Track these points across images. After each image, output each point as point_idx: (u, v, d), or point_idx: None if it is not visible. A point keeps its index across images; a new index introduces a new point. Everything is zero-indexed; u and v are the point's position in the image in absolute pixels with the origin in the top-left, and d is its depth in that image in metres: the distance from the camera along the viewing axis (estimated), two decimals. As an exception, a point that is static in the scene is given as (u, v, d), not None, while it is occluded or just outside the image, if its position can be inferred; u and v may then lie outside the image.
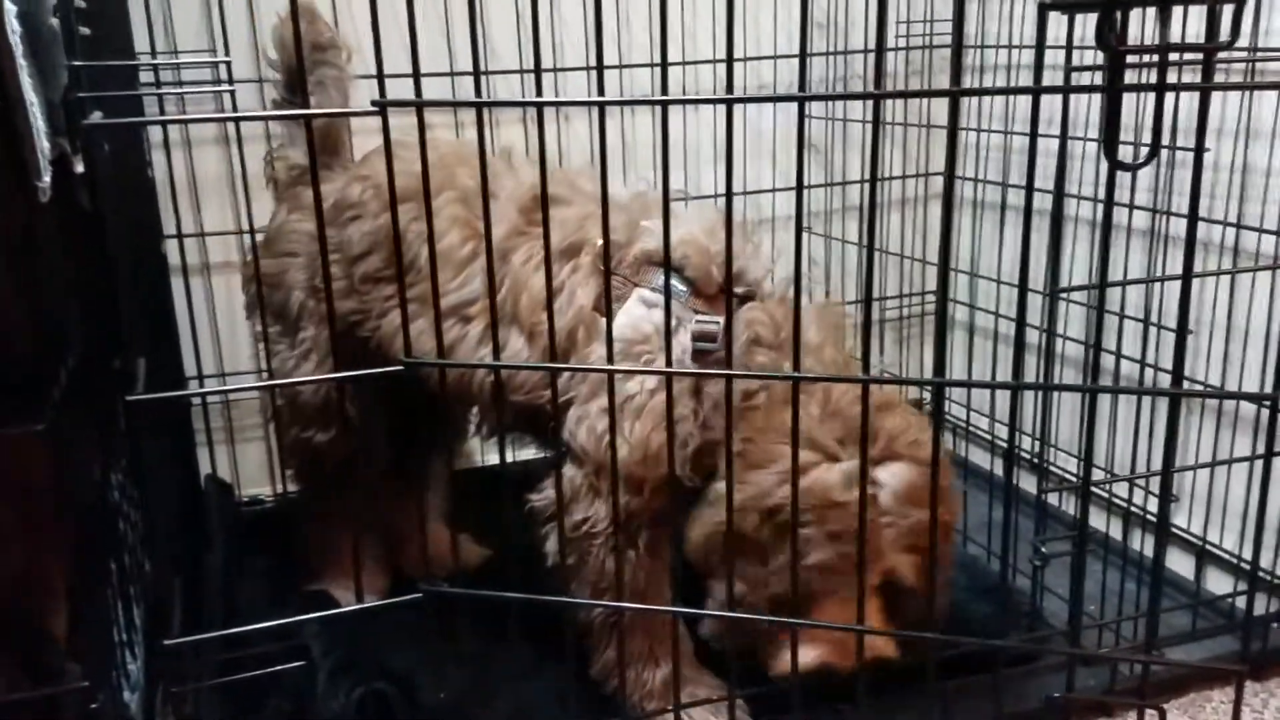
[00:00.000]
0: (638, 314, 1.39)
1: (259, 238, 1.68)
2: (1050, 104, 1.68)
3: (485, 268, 1.45)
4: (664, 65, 0.98)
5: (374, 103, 1.00)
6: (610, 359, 1.13)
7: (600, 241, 1.38)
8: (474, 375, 1.50)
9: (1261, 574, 1.73)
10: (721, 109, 0.95)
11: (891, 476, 1.33)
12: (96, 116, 1.07)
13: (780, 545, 1.31)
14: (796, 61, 2.15)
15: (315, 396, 1.65)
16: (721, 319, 1.34)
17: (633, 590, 1.40)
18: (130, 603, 1.51)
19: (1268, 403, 1.48)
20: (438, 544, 1.93)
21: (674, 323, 1.30)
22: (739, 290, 1.42)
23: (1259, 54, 1.62)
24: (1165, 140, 1.66)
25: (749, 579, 1.34)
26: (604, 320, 1.35)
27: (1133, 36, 0.90)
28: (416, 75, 0.99)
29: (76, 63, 1.09)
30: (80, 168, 1.19)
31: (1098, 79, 0.98)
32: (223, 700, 1.55)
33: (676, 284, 1.38)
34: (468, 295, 1.49)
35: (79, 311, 1.40)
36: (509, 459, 1.38)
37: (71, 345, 1.35)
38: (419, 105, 1.00)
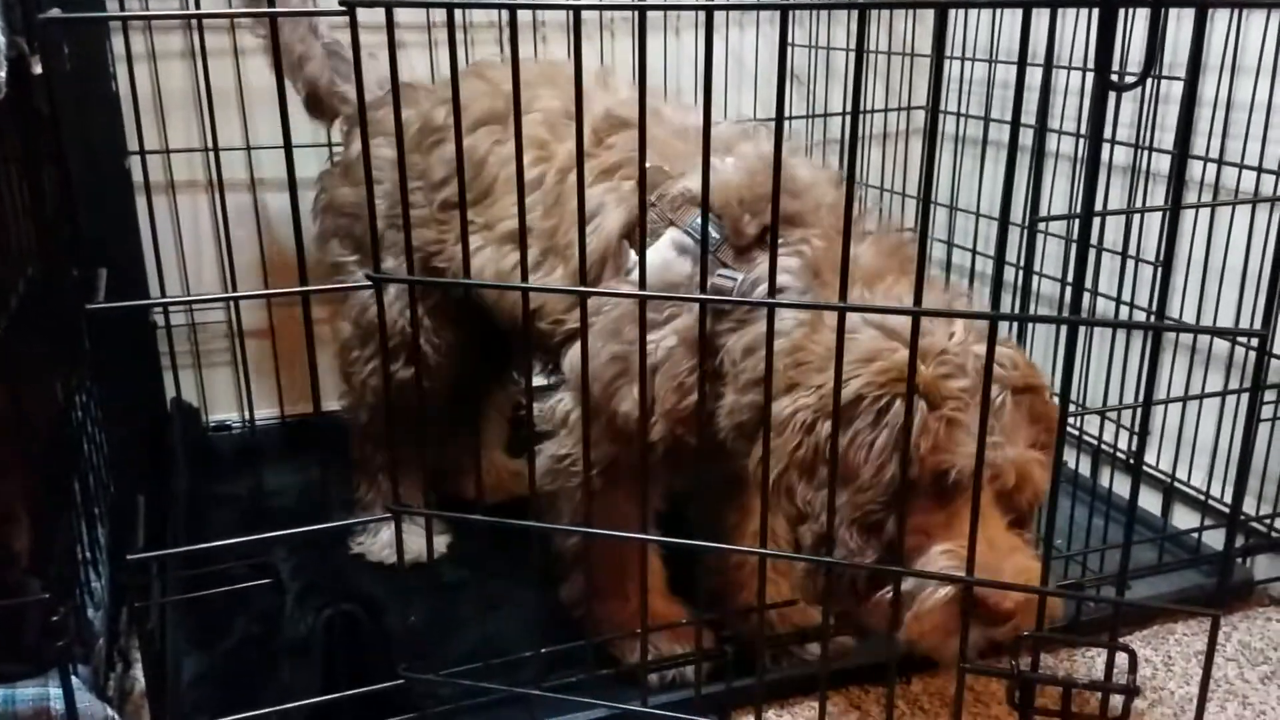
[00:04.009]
0: (668, 257, 1.29)
1: (337, 161, 1.64)
2: (1033, 37, 1.66)
3: (547, 192, 1.41)
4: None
5: (342, 2, 0.96)
6: (583, 280, 1.11)
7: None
8: (512, 301, 1.44)
9: (1223, 506, 1.75)
10: (702, 36, 0.92)
11: (1007, 358, 1.14)
12: (55, 12, 1.03)
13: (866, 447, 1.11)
14: (779, -12, 2.11)
15: (393, 328, 1.59)
16: (741, 274, 1.25)
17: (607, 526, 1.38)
18: (94, 522, 1.50)
19: (1254, 340, 1.48)
20: (495, 472, 1.92)
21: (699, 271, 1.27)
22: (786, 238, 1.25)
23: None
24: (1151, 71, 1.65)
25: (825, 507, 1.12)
26: (631, 252, 1.31)
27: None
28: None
29: (31, -47, 1.04)
30: (38, 69, 1.15)
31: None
32: (189, 622, 1.54)
33: (713, 231, 1.26)
34: (527, 220, 1.43)
35: (37, 221, 1.36)
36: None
37: (29, 255, 1.32)
38: (388, 5, 0.96)
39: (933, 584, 1.08)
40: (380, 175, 1.56)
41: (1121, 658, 1.09)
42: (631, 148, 1.33)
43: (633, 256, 1.31)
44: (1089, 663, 1.54)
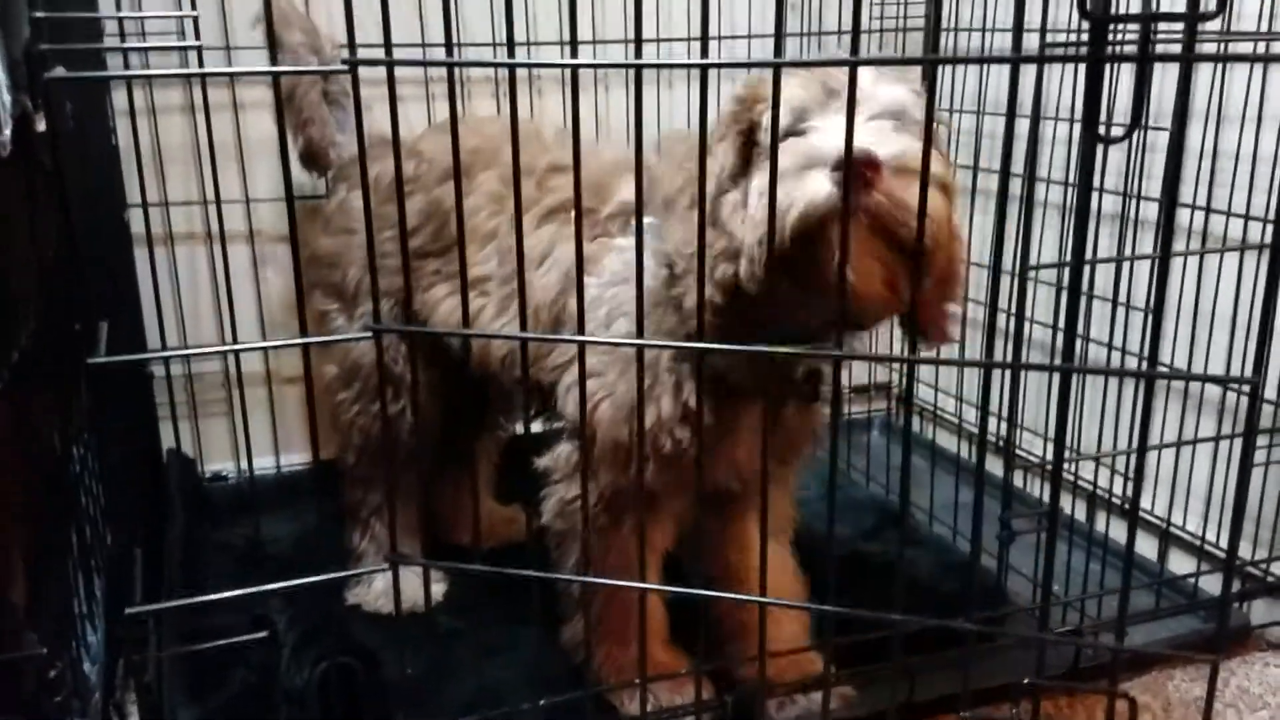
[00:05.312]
0: (617, 267, 1.36)
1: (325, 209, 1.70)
2: (1021, 88, 1.68)
3: (502, 239, 1.48)
4: (638, 38, 0.98)
5: (344, 61, 0.99)
6: (581, 329, 1.12)
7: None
8: (491, 349, 1.50)
9: (1218, 551, 1.75)
10: (695, 89, 0.95)
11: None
12: (59, 71, 1.05)
13: None
14: (770, 42, 2.15)
15: (373, 367, 1.62)
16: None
17: (613, 569, 1.39)
18: (91, 575, 1.49)
19: (1246, 386, 1.49)
20: (487, 518, 1.93)
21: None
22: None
23: (1230, 36, 1.63)
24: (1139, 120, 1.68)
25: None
26: (589, 280, 1.35)
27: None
28: (388, 38, 0.98)
29: (39, 14, 1.06)
30: (42, 125, 1.17)
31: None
32: (185, 674, 1.53)
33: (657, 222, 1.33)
34: (488, 269, 1.50)
35: (40, 273, 1.37)
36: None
37: (31, 308, 1.33)
38: (389, 64, 0.98)
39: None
40: (358, 225, 1.63)
41: (1121, 704, 1.09)
42: (564, 187, 1.43)
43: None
44: (1088, 710, 1.54)
